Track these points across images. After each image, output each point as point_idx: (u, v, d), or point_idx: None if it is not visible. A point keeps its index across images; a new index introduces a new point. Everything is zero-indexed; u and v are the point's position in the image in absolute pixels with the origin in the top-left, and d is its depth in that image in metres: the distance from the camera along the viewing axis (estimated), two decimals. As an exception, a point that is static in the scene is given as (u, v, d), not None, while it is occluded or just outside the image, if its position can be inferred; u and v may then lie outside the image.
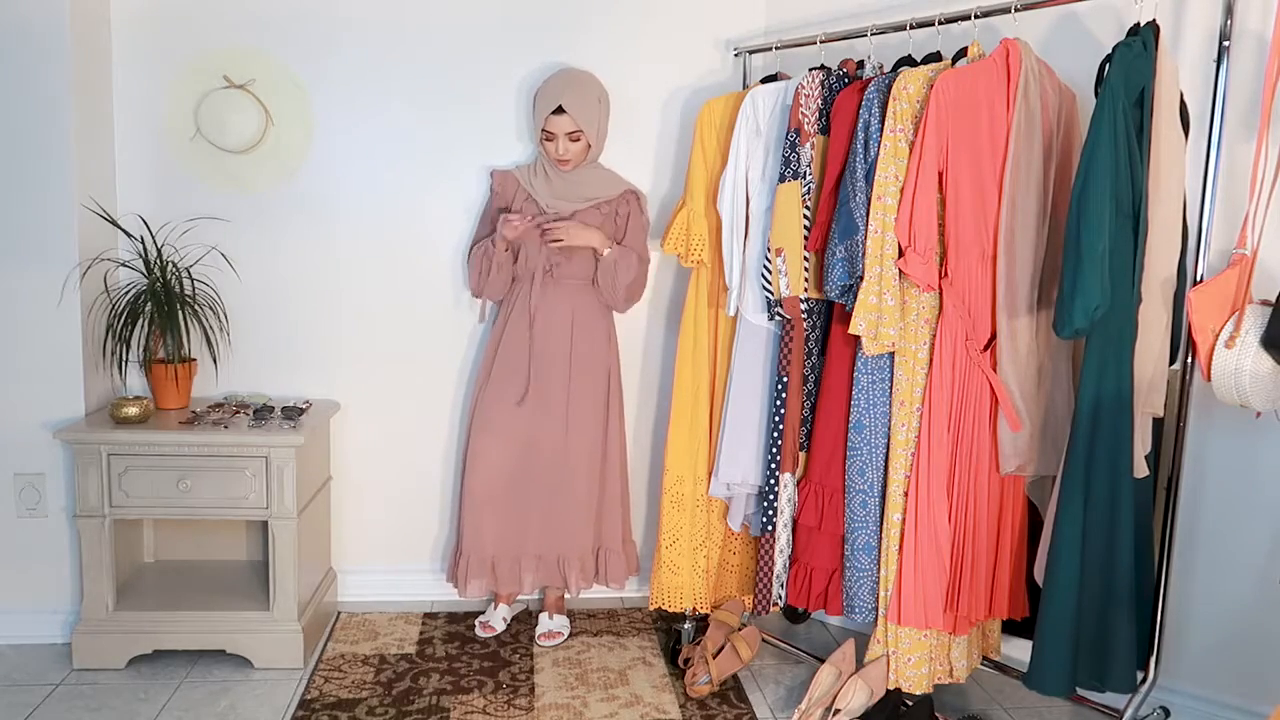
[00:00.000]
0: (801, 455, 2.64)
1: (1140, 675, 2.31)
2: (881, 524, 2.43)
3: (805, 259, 2.51)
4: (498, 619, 3.03)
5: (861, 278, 2.32)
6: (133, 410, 2.71)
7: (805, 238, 2.50)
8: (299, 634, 2.74)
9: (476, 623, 3.03)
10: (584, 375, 2.94)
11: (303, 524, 2.76)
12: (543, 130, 2.87)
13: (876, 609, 2.44)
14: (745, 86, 2.95)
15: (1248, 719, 2.38)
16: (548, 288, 2.92)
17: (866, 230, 2.31)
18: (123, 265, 2.95)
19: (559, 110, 2.82)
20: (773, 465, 2.62)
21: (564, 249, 2.88)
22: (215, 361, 2.99)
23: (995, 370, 2.29)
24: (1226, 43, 2.14)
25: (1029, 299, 2.28)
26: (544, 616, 3.03)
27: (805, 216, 2.50)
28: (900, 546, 2.37)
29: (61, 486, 2.81)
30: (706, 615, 2.90)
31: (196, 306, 2.91)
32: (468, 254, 3.02)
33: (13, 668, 2.70)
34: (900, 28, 2.51)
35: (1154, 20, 2.12)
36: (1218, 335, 2.11)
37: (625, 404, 3.11)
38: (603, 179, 2.98)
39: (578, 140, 2.87)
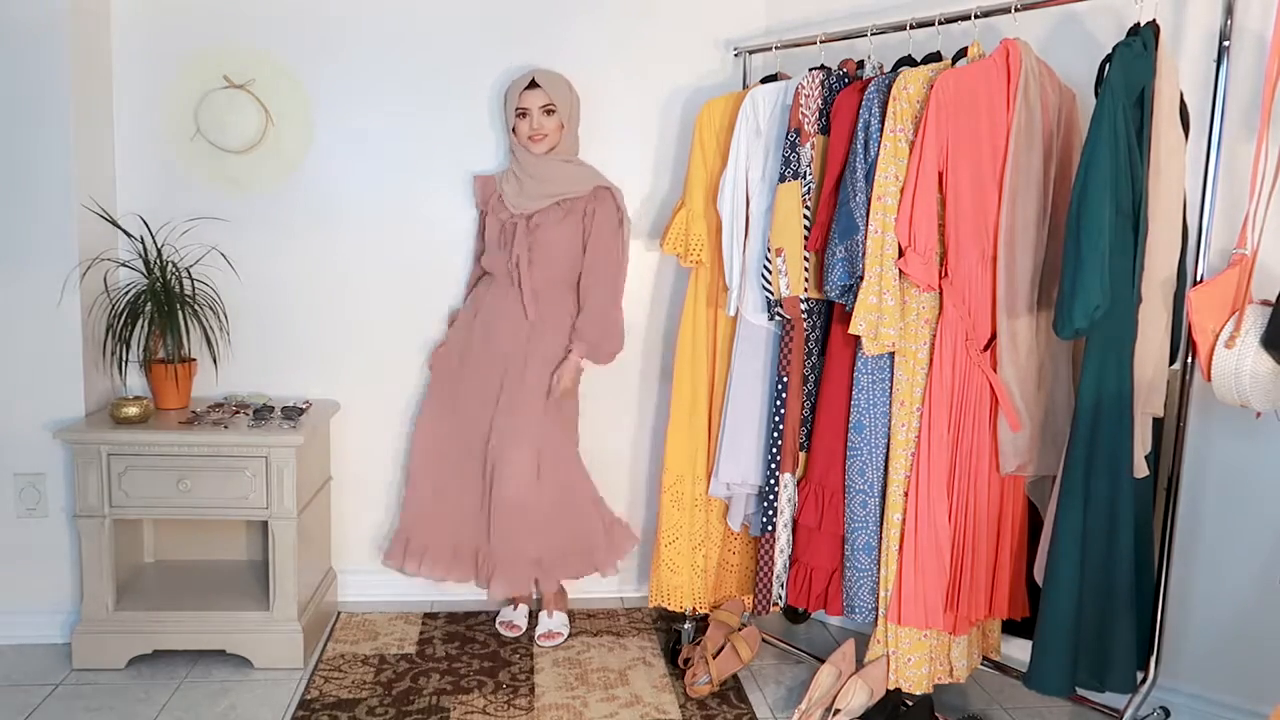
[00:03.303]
0: (801, 455, 2.64)
1: (1140, 675, 2.31)
2: (881, 524, 2.43)
3: (805, 259, 2.51)
4: (520, 617, 3.03)
5: (861, 278, 2.32)
6: (133, 410, 2.71)
7: (805, 238, 2.50)
8: (299, 634, 2.74)
9: (498, 623, 3.02)
10: (537, 376, 2.89)
11: (303, 524, 2.76)
12: (516, 109, 2.88)
13: (876, 609, 2.44)
14: (745, 86, 2.94)
15: (1248, 719, 2.38)
16: (509, 287, 2.91)
17: (866, 230, 2.31)
18: (123, 265, 2.95)
19: (532, 85, 2.85)
20: (773, 465, 2.62)
21: (535, 253, 2.88)
22: (215, 361, 2.99)
23: (995, 370, 2.29)
24: (1226, 43, 2.14)
25: (1029, 299, 2.28)
26: (544, 616, 3.03)
27: (805, 216, 2.50)
28: (900, 546, 2.37)
29: (61, 486, 2.81)
30: (706, 615, 2.90)
31: (196, 306, 2.91)
32: (468, 281, 3.10)
33: (13, 668, 2.70)
34: (900, 28, 2.51)
35: (1154, 20, 2.12)
36: (1218, 335, 2.10)
37: (625, 403, 3.10)
38: (573, 174, 2.94)
39: (552, 113, 2.87)
